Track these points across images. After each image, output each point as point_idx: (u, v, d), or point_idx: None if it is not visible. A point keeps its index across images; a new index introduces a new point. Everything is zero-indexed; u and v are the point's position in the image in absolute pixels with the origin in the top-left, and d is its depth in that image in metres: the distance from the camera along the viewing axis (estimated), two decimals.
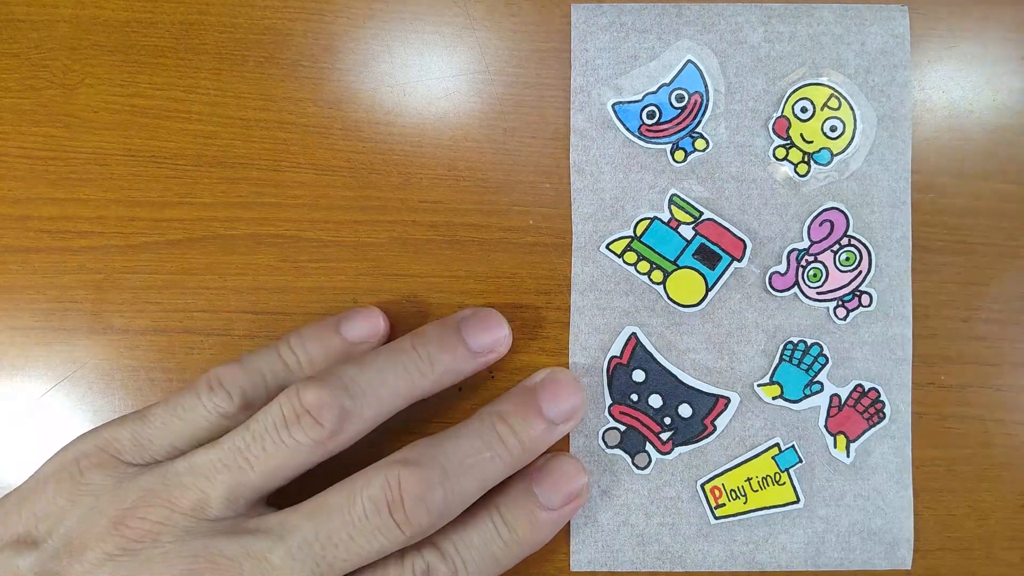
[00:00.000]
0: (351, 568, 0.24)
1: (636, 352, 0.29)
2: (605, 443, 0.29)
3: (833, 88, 0.29)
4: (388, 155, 0.29)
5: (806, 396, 0.29)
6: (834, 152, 0.29)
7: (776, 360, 0.29)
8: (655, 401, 0.29)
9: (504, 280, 0.29)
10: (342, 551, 0.23)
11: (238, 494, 0.24)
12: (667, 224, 0.29)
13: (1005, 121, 0.30)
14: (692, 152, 0.29)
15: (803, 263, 0.29)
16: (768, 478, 0.29)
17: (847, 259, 0.29)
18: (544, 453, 0.27)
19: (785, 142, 0.29)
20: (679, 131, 0.29)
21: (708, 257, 0.29)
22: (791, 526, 0.29)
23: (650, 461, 0.29)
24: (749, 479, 0.29)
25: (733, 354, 0.29)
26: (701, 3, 0.29)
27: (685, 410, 0.29)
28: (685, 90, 0.29)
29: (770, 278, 0.29)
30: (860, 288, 0.29)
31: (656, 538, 0.29)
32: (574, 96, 0.29)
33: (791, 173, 0.29)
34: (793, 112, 0.29)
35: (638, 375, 0.29)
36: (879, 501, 0.29)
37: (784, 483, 0.29)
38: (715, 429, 0.29)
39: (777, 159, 0.29)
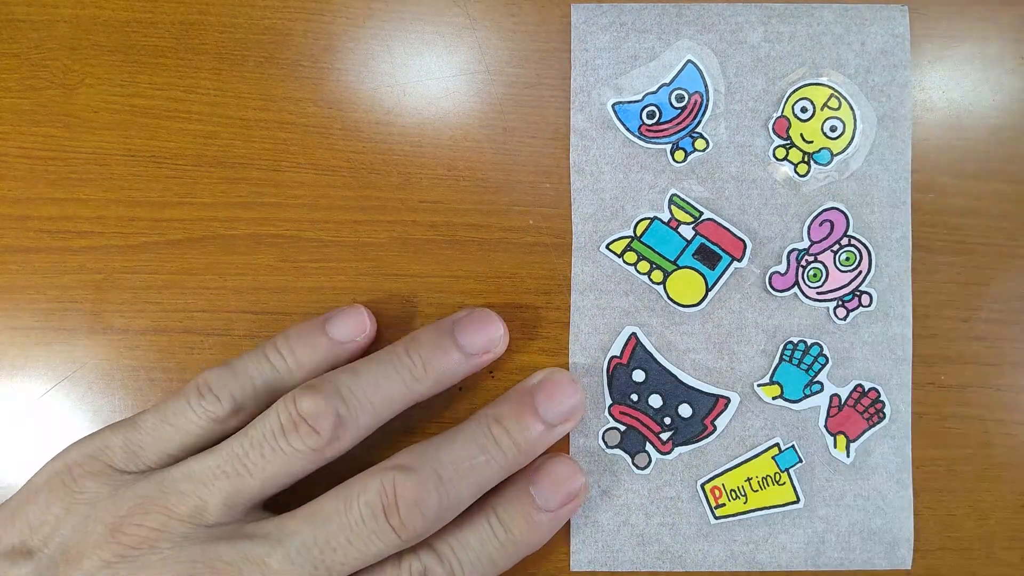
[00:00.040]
0: (349, 571, 0.24)
1: (636, 352, 0.29)
2: (605, 443, 0.29)
3: (833, 88, 0.29)
4: (388, 155, 0.29)
5: (806, 396, 0.29)
6: (834, 152, 0.29)
7: (776, 360, 0.29)
8: (655, 401, 0.29)
9: (504, 280, 0.29)
10: (340, 555, 0.23)
11: (236, 500, 0.24)
12: (667, 224, 0.29)
13: (1005, 121, 0.30)
14: (692, 152, 0.29)
15: (803, 263, 0.29)
16: (768, 478, 0.29)
17: (847, 259, 0.29)
18: (544, 453, 0.27)
19: (785, 142, 0.29)
20: (679, 131, 0.29)
21: (708, 257, 0.29)
22: (791, 526, 0.29)
23: (650, 461, 0.29)
24: (749, 479, 0.29)
25: (733, 354, 0.29)
26: (701, 3, 0.29)
27: (685, 410, 0.29)
28: (685, 90, 0.29)
29: (770, 278, 0.29)
30: (860, 288, 0.29)
31: (656, 538, 0.29)
32: (574, 96, 0.29)
33: (791, 173, 0.29)
34: (793, 112, 0.29)
35: (638, 375, 0.29)
36: (879, 501, 0.29)
37: (784, 483, 0.29)
38: (715, 429, 0.29)
39: (777, 159, 0.29)
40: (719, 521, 0.29)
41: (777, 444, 0.29)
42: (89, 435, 0.25)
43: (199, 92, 0.29)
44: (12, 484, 0.29)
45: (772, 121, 0.29)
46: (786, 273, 0.29)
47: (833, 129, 0.29)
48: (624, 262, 0.29)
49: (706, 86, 0.29)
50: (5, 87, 0.29)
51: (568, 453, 0.29)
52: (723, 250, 0.29)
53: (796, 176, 0.29)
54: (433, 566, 0.24)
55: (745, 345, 0.29)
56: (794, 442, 0.29)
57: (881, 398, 0.29)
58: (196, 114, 0.29)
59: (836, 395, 0.29)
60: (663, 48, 0.29)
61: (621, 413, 0.29)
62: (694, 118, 0.29)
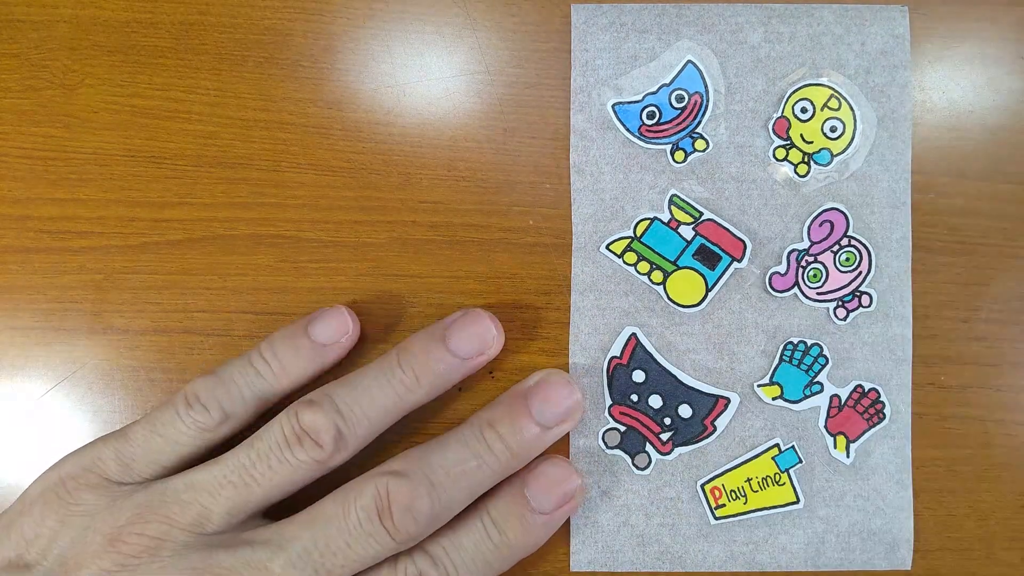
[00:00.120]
0: (348, 574, 0.24)
1: (636, 352, 0.29)
2: (605, 443, 0.29)
3: (833, 88, 0.29)
4: (388, 155, 0.29)
5: (806, 396, 0.29)
6: (834, 152, 0.29)
7: (776, 360, 0.29)
8: (655, 401, 0.29)
9: (504, 280, 0.29)
10: (340, 558, 0.24)
11: (240, 510, 0.25)
12: (667, 224, 0.29)
13: (1005, 121, 0.30)
14: (692, 152, 0.29)
15: (803, 263, 0.29)
16: (768, 478, 0.29)
17: (847, 259, 0.29)
18: (543, 454, 0.27)
19: (785, 142, 0.29)
20: (679, 131, 0.29)
21: (708, 257, 0.29)
22: (791, 526, 0.29)
23: (650, 461, 0.29)
24: (749, 479, 0.29)
25: (733, 354, 0.29)
26: (701, 3, 0.29)
27: (685, 410, 0.29)
28: (685, 90, 0.29)
29: (770, 278, 0.29)
30: (860, 288, 0.29)
31: (656, 538, 0.29)
32: (574, 96, 0.29)
33: (791, 173, 0.29)
34: (793, 112, 0.29)
35: (638, 375, 0.29)
36: (879, 501, 0.29)
37: (784, 483, 0.29)
38: (715, 429, 0.29)
39: (777, 159, 0.29)
40: (719, 522, 0.29)
41: (777, 445, 0.29)
42: (81, 448, 0.26)
43: (199, 92, 0.29)
44: (12, 484, 0.29)
45: (772, 121, 0.29)
46: (786, 273, 0.29)
47: (833, 129, 0.29)
48: (624, 262, 0.29)
49: (706, 86, 0.29)
50: (5, 87, 0.29)
51: (568, 454, 0.29)
52: (723, 250, 0.29)
53: (796, 176, 0.29)
54: (428, 569, 0.25)
55: (745, 345, 0.29)
56: (794, 442, 0.29)
57: (881, 398, 0.29)
58: (196, 114, 0.29)
59: (836, 395, 0.29)
60: (663, 48, 0.29)
61: (621, 413, 0.29)
62: (694, 118, 0.29)
